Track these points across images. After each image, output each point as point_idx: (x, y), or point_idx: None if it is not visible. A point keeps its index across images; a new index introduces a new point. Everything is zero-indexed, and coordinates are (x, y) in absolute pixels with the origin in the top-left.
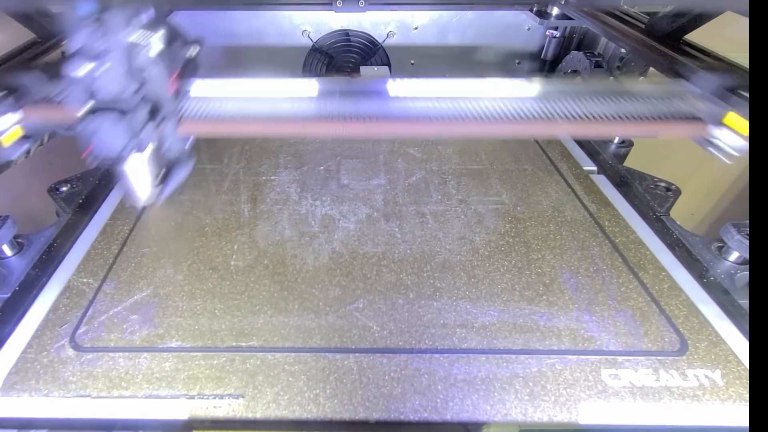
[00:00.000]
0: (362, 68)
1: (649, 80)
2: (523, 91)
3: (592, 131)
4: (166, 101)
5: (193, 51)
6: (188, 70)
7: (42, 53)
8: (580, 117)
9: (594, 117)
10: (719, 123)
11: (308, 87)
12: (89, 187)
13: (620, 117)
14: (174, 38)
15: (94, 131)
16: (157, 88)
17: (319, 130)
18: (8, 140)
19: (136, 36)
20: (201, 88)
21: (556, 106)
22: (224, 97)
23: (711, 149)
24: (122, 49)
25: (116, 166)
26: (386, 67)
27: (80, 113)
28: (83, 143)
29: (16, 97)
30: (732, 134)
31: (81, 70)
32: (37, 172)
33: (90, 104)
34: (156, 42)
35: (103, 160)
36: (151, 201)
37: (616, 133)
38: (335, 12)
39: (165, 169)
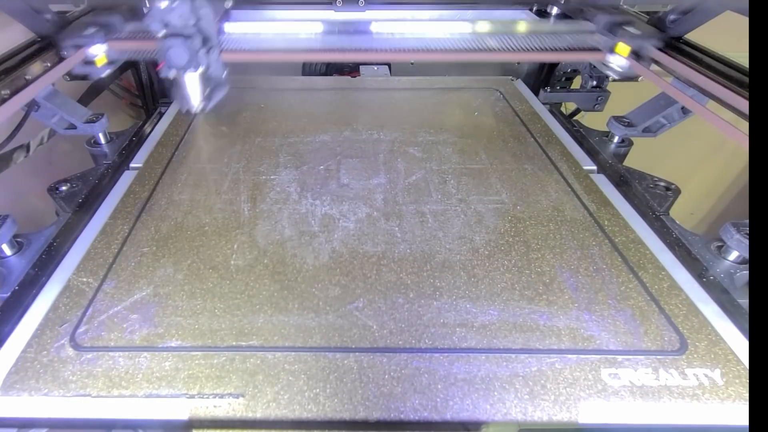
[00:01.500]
0: (362, 68)
1: (564, 22)
2: (474, 27)
3: (520, 58)
4: (213, 34)
5: (228, 3)
6: (226, 15)
7: (42, 50)
8: (513, 49)
9: (524, 49)
10: (612, 51)
11: (314, 25)
12: (89, 187)
13: (543, 48)
14: None
15: (168, 49)
16: (207, 24)
17: (321, 57)
18: (99, 62)
19: None
20: (234, 27)
21: (498, 40)
22: (250, 34)
23: (607, 71)
24: None
25: (180, 77)
26: (386, 67)
27: (160, 35)
28: (159, 59)
29: (105, 31)
30: (620, 58)
31: (162, 3)
32: (37, 171)
33: (164, 31)
34: None
35: (172, 71)
36: (199, 110)
37: (540, 59)
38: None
39: (209, 88)
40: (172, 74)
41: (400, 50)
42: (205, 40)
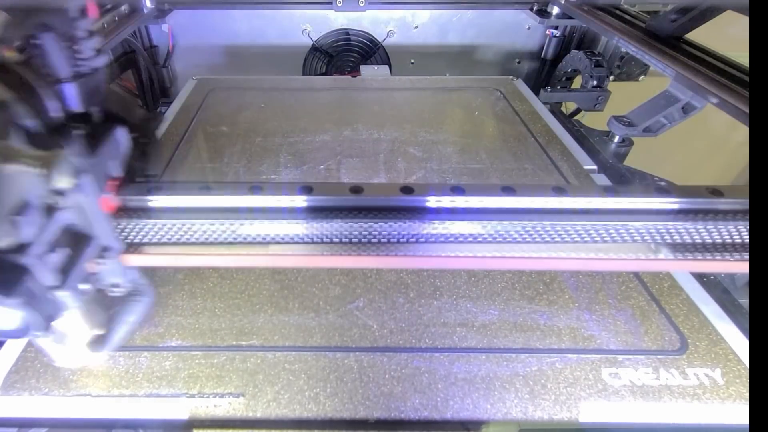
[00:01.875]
0: (362, 67)
1: None
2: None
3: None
4: (99, 228)
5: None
6: (140, 164)
7: None
8: None
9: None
10: None
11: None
12: None
13: None
14: (102, 132)
15: None
16: (80, 214)
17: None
18: None
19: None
20: (161, 198)
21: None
22: (189, 209)
23: None
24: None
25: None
26: (386, 66)
27: None
28: None
29: None
30: None
31: None
32: None
33: None
34: (62, 168)
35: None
36: (94, 358)
37: None
38: (335, 11)
39: (110, 312)
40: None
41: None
42: (82, 243)
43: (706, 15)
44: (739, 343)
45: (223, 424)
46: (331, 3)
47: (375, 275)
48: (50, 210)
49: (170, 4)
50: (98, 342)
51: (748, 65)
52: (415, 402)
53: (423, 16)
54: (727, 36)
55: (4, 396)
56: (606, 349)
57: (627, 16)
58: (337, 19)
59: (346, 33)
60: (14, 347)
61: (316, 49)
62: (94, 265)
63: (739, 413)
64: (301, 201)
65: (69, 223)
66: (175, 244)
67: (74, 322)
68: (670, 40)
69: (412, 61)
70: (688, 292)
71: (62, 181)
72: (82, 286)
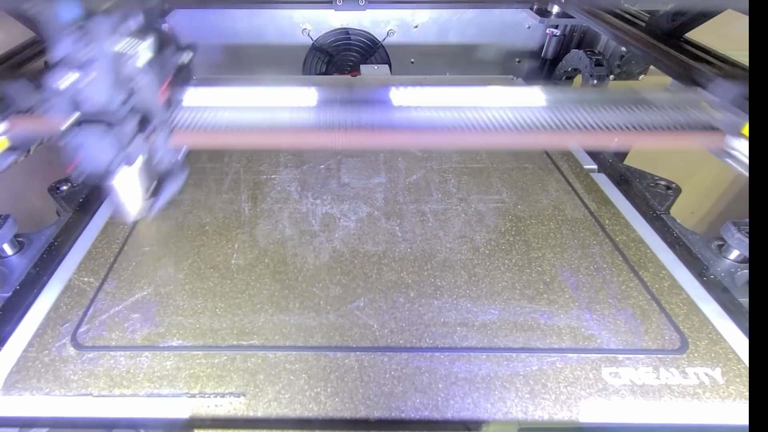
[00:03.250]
0: (362, 67)
1: (661, 87)
2: (530, 98)
3: (604, 142)
4: (156, 111)
5: (186, 57)
6: (181, 77)
7: (39, 53)
8: (591, 127)
9: (606, 127)
10: (738, 134)
11: (307, 94)
12: (90, 186)
13: (635, 127)
14: (165, 44)
15: (80, 145)
16: (146, 98)
17: (317, 140)
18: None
19: (123, 44)
20: (195, 96)
21: (565, 115)
22: (219, 106)
23: (729, 161)
24: (108, 58)
25: (104, 181)
26: (386, 66)
27: (64, 126)
28: (69, 157)
29: (1, 107)
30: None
31: (64, 81)
32: (38, 170)
33: (75, 116)
34: (145, 50)
35: (90, 175)
36: (142, 215)
37: (632, 144)
38: (335, 10)
39: (156, 181)
40: (89, 178)
41: (428, 129)
42: (143, 122)
43: (706, 14)
44: (739, 342)
45: (224, 424)
46: (331, 3)
47: (375, 275)
48: (131, 91)
49: (170, 4)
50: (147, 202)
51: (748, 65)
52: (416, 401)
53: (423, 15)
54: (727, 36)
55: (5, 396)
56: (606, 348)
57: (627, 15)
58: (337, 19)
59: (346, 32)
60: (15, 347)
61: (316, 49)
62: (151, 140)
63: (740, 413)
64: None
65: (139, 104)
66: (203, 129)
67: (135, 178)
68: (670, 40)
69: (412, 60)
70: (688, 291)
71: (147, 53)
72: (142, 155)
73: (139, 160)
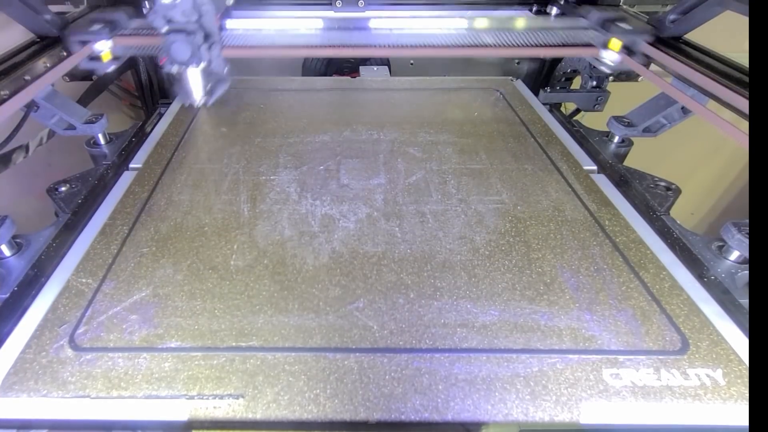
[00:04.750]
0: (362, 68)
1: (560, 19)
2: (471, 24)
3: (515, 53)
4: (214, 31)
5: (229, 0)
6: (227, 11)
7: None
8: (509, 45)
9: (519, 45)
10: (604, 47)
11: (314, 21)
12: (88, 188)
13: (539, 45)
14: None
15: (170, 44)
16: (209, 20)
17: (321, 53)
18: (105, 58)
19: None
20: (235, 24)
21: (495, 36)
22: (251, 30)
23: (601, 66)
24: None
25: (183, 71)
26: (386, 67)
27: (163, 31)
28: (161, 54)
29: (109, 28)
30: (612, 54)
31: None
32: (37, 172)
33: (167, 27)
34: None
35: (176, 65)
36: (201, 104)
37: (534, 54)
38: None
39: (211, 83)
40: (174, 69)
41: (398, 46)
42: (207, 36)
43: (705, 15)
44: (740, 343)
45: (222, 426)
46: (330, 4)
47: (375, 276)
48: (201, 13)
49: None
50: (207, 95)
51: (747, 65)
52: (416, 403)
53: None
54: (727, 36)
55: (2, 397)
56: (607, 349)
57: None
58: None
59: None
60: (13, 348)
61: None
62: (209, 50)
63: (741, 414)
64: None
65: (204, 24)
66: (247, 47)
67: (199, 75)
68: (670, 41)
69: (412, 62)
70: (688, 292)
71: None
72: (204, 61)
73: (203, 64)
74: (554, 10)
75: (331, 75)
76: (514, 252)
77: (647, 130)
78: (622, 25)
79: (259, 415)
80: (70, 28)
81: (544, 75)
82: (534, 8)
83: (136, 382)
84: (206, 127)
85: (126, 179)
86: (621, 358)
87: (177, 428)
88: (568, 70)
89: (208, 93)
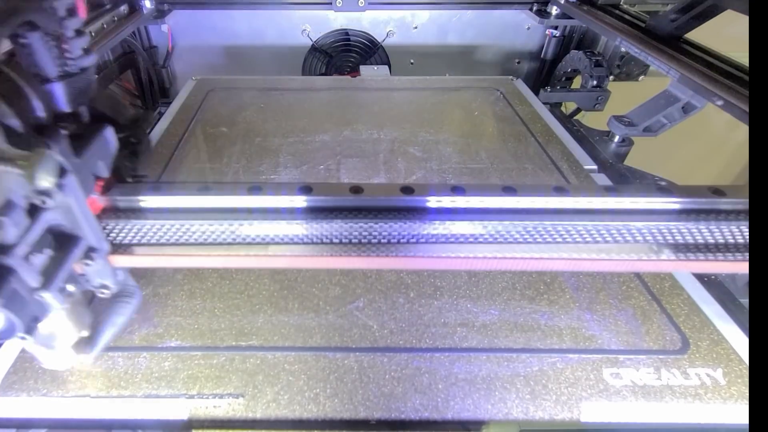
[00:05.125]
0: (362, 67)
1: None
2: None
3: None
4: (85, 229)
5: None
6: (128, 167)
7: None
8: None
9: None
10: None
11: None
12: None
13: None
14: (88, 136)
15: None
16: (73, 215)
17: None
18: None
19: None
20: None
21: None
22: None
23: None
24: None
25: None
26: (386, 67)
27: None
28: None
29: None
30: None
31: None
32: None
33: None
34: (45, 167)
35: None
36: (80, 360)
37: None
38: (335, 11)
39: (99, 315)
40: None
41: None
42: (64, 246)
43: (706, 15)
44: (740, 342)
45: (222, 425)
46: (330, 3)
47: (375, 275)
48: (35, 210)
49: (170, 4)
50: (84, 344)
51: (748, 65)
52: (416, 402)
53: (423, 16)
54: (727, 36)
55: (2, 397)
56: (607, 349)
57: (627, 16)
58: (337, 20)
59: (345, 33)
60: (12, 348)
61: (315, 50)
62: (81, 266)
63: (741, 413)
64: (300, 201)
65: (55, 224)
66: (165, 245)
67: (60, 323)
68: (670, 40)
69: (412, 61)
70: (689, 291)
71: (45, 181)
72: (69, 288)
73: (56, 307)
74: (555, 9)
75: (331, 74)
76: None
77: (648, 130)
78: None
79: (258, 415)
80: None
81: (545, 74)
82: (534, 7)
83: (136, 381)
84: (206, 126)
85: None
86: (621, 357)
87: (177, 427)
88: (569, 70)
89: (93, 332)
